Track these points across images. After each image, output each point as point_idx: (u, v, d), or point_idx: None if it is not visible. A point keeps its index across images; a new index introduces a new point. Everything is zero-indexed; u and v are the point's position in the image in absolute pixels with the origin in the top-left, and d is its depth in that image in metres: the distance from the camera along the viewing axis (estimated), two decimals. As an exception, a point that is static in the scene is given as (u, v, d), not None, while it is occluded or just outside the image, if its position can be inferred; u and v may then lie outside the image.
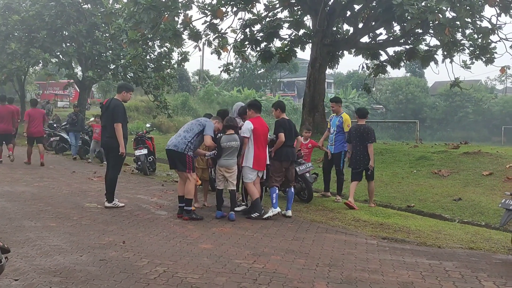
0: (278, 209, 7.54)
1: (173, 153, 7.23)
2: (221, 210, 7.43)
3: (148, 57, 24.45)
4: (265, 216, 7.41)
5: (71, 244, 5.53)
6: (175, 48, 23.50)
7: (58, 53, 24.80)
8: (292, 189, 7.95)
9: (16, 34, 24.31)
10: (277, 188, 7.63)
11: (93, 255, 5.16)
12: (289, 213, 7.69)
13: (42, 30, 22.52)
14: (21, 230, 6.06)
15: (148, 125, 15.62)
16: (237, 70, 56.21)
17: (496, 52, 16.34)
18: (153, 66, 25.49)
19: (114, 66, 24.85)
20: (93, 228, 6.36)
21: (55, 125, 19.60)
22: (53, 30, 23.09)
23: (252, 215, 7.41)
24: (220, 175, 7.39)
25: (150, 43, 21.89)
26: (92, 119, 16.08)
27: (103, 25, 23.97)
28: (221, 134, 7.47)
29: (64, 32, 24.13)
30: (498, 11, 15.31)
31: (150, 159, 12.73)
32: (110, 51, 24.59)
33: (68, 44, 24.75)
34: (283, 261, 5.21)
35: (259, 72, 58.67)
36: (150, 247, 5.54)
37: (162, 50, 25.30)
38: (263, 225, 6.98)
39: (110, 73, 25.87)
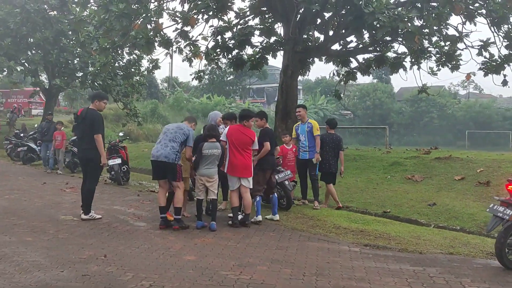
0: (259, 218, 7.76)
1: (165, 165, 7.14)
2: (201, 220, 7.35)
3: (117, 64, 24.08)
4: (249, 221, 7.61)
5: (50, 259, 5.36)
6: (144, 56, 23.23)
7: (24, 61, 24.16)
8: (276, 194, 8.22)
9: (-21, 41, 23.56)
10: (260, 197, 7.85)
11: (75, 270, 5.01)
12: (277, 217, 8.01)
13: (7, 37, 21.90)
14: (-4, 246, 5.84)
15: (121, 134, 15.36)
16: (206, 77, 56.03)
17: (461, 59, 16.82)
18: (122, 73, 25.12)
19: (82, 73, 24.38)
20: (72, 242, 6.19)
21: (21, 134, 19.08)
22: (18, 37, 22.46)
23: (229, 222, 7.54)
24: (201, 185, 7.32)
25: (119, 51, 21.57)
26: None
27: (70, 32, 23.50)
28: (201, 142, 7.42)
29: (30, 39, 23.51)
30: (464, 20, 15.76)
31: (124, 168, 12.52)
32: (78, 59, 24.13)
33: (34, 51, 24.14)
34: (270, 271, 5.18)
35: (228, 79, 58.67)
36: (133, 260, 5.43)
37: (131, 57, 24.97)
38: (245, 234, 6.94)
39: (77, 80, 25.37)
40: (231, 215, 7.67)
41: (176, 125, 7.55)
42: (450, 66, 16.99)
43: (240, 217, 7.79)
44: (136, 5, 14.09)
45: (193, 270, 5.13)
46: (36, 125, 20.92)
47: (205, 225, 7.28)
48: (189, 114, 47.65)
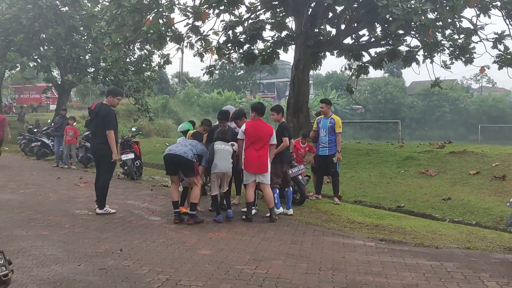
0: (280, 210, 7.92)
1: (182, 159, 7.16)
2: (220, 214, 7.38)
3: (128, 60, 24.18)
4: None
5: (67, 253, 5.40)
6: (155, 51, 23.30)
7: (36, 57, 24.35)
8: (291, 189, 8.22)
9: (-8, 37, 23.79)
10: (277, 189, 7.91)
11: (92, 264, 5.04)
12: (291, 211, 8.01)
13: (19, 33, 22.10)
14: (13, 240, 5.89)
15: (134, 129, 15.39)
16: (216, 72, 56.08)
17: (475, 52, 16.64)
18: (133, 69, 25.22)
19: (94, 69, 24.52)
20: (88, 236, 6.22)
21: (35, 130, 19.23)
22: (31, 33, 22.67)
23: (242, 216, 7.54)
24: (214, 182, 7.35)
25: (131, 46, 21.64)
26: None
27: (82, 28, 23.62)
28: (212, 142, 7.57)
29: (42, 35, 23.71)
30: (478, 12, 15.58)
31: (137, 163, 12.56)
32: (90, 54, 24.27)
33: (46, 47, 24.31)
34: (285, 265, 5.17)
35: (239, 73, 58.67)
36: (149, 254, 5.44)
37: (142, 53, 25.06)
38: (260, 229, 6.94)
39: (89, 76, 25.52)
40: (244, 209, 7.68)
41: (196, 142, 7.62)
42: (463, 59, 16.81)
43: (254, 211, 7.82)
44: (148, 0, 14.11)
45: (208, 264, 5.13)
46: (49, 121, 21.09)
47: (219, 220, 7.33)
48: (200, 110, 47.80)
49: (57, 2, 23.09)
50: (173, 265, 5.05)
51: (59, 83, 25.64)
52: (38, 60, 24.41)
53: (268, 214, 7.55)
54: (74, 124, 15.03)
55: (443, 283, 4.68)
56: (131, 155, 12.33)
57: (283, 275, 4.82)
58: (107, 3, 15.31)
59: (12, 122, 32.38)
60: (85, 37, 23.45)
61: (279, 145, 7.81)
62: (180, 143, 7.53)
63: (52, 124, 15.90)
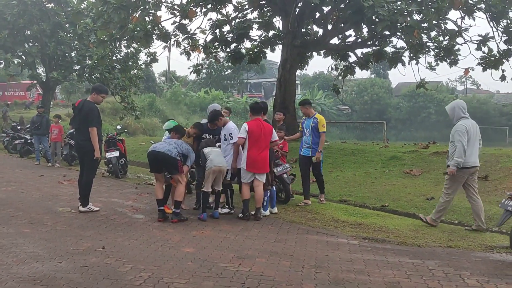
0: (267, 212, 7.89)
1: (165, 157, 7.11)
2: (206, 212, 7.36)
3: (114, 57, 23.98)
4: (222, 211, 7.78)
5: (49, 251, 5.34)
6: (142, 49, 23.15)
7: (21, 53, 24.02)
8: (274, 188, 8.18)
9: (-25, 33, 23.42)
10: (268, 191, 7.89)
11: (73, 261, 4.99)
12: (275, 210, 8.02)
13: (4, 30, 21.77)
14: (-6, 237, 5.81)
15: (119, 127, 15.29)
16: (204, 71, 55.95)
17: (460, 54, 16.82)
18: (119, 67, 25.01)
19: (80, 66, 24.28)
20: (70, 234, 6.16)
21: (18, 127, 19.01)
22: (15, 29, 22.31)
23: (239, 215, 7.48)
24: (209, 177, 7.32)
25: (117, 44, 21.48)
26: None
27: (67, 25, 23.36)
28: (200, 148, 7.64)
29: (27, 32, 23.36)
30: (463, 14, 15.75)
31: (121, 161, 12.48)
32: (75, 52, 24.01)
33: (31, 44, 23.99)
34: (269, 263, 5.17)
35: (226, 73, 58.60)
36: (132, 252, 5.41)
37: (129, 50, 24.88)
38: (244, 227, 6.93)
39: (75, 74, 25.26)
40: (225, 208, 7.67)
41: (181, 141, 7.55)
42: (448, 61, 17.00)
43: (227, 210, 7.92)
44: (134, -2, 14.01)
45: (192, 262, 5.11)
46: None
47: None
48: (187, 108, 47.65)
49: (43, -2, 22.83)
50: (155, 263, 5.02)
51: (44, 80, 25.32)
52: (23, 57, 24.05)
53: (253, 212, 7.55)
54: (59, 121, 14.89)
55: (424, 281, 4.72)
56: (116, 153, 12.25)
57: (266, 273, 4.82)
58: (93, 0, 15.16)
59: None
60: (71, 34, 23.17)
61: None
62: (165, 141, 7.50)
63: (31, 123, 15.72)
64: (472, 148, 7.18)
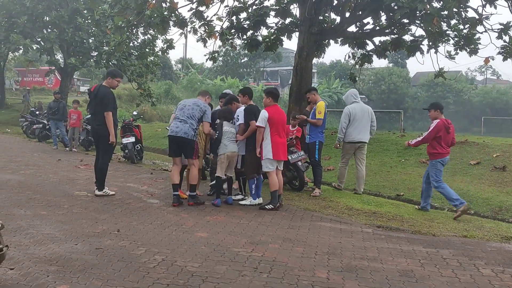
0: (257, 201, 7.58)
1: (184, 140, 7.15)
2: (219, 198, 7.39)
3: (131, 44, 24.06)
4: (242, 203, 7.54)
5: (65, 233, 5.42)
6: (158, 36, 23.18)
7: (39, 39, 24.25)
8: (262, 176, 7.80)
9: (-5, 19, 23.68)
10: (255, 179, 7.57)
11: (88, 243, 5.06)
12: (260, 200, 7.65)
13: (23, 16, 21.98)
14: (12, 219, 5.91)
15: (135, 113, 15.39)
16: (220, 58, 55.88)
17: (480, 43, 16.48)
18: (136, 53, 25.09)
19: (97, 53, 24.43)
20: (85, 217, 6.25)
21: (37, 112, 19.24)
22: (34, 15, 22.51)
23: (266, 206, 7.26)
24: (223, 163, 7.29)
25: (134, 30, 21.53)
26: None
27: (85, 11, 23.49)
28: (219, 121, 7.40)
29: (46, 18, 23.55)
30: (484, 2, 15.42)
31: (137, 147, 12.58)
32: (93, 38, 24.14)
33: (49, 30, 24.19)
34: (281, 249, 5.18)
35: (242, 61, 58.48)
36: (146, 236, 5.46)
37: (146, 37, 24.93)
38: (257, 213, 6.95)
39: (92, 60, 25.44)
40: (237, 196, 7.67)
41: (193, 101, 7.45)
42: (468, 50, 16.63)
43: (240, 196, 7.85)
44: (152, -17, 13.98)
45: (205, 246, 5.15)
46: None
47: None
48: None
49: (61, -16, 22.97)
50: (169, 246, 5.07)
51: (62, 66, 25.56)
52: (41, 42, 24.29)
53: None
54: (77, 107, 15.05)
55: (438, 269, 4.68)
56: (132, 139, 12.34)
57: (278, 258, 4.84)
58: (110, -14, 15.15)
59: (17, 104, 32.58)
60: (89, 20, 23.29)
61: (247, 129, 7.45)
62: (179, 120, 7.25)
63: (48, 109, 15.88)
64: (357, 127, 8.91)
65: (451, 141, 7.86)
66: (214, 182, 7.78)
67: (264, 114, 7.20)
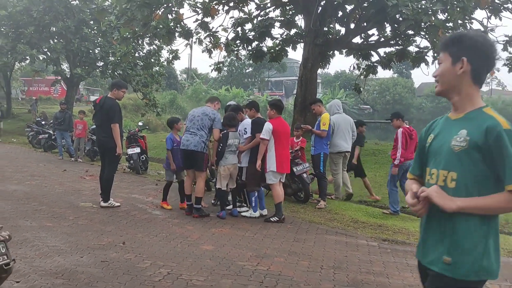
0: (257, 214, 7.52)
1: (194, 153, 7.17)
2: (224, 210, 7.38)
3: (137, 54, 24.24)
4: (243, 214, 7.52)
5: (70, 245, 5.43)
6: (164, 46, 23.33)
7: (46, 50, 24.47)
8: (262, 188, 7.76)
9: (2, 29, 23.93)
10: (256, 192, 7.53)
11: (94, 256, 5.06)
12: (265, 211, 7.63)
13: (30, 26, 22.22)
14: (18, 230, 5.92)
15: (140, 124, 15.43)
16: (225, 69, 56.10)
17: (485, 54, 16.49)
18: (142, 63, 25.27)
19: (103, 63, 24.61)
20: (91, 229, 6.25)
21: (42, 122, 19.33)
22: (41, 26, 22.76)
23: (271, 219, 7.21)
24: (226, 174, 7.27)
25: (140, 41, 21.70)
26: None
27: (91, 22, 23.71)
28: (226, 130, 7.37)
29: (52, 28, 23.80)
30: (489, 14, 15.46)
31: (142, 157, 12.60)
32: (99, 48, 24.34)
33: (56, 40, 24.42)
34: (287, 263, 5.17)
35: (247, 71, 58.67)
36: (151, 248, 5.46)
37: (151, 48, 25.13)
38: (263, 226, 6.93)
39: (98, 70, 25.61)
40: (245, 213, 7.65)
41: (202, 111, 7.44)
42: (473, 61, 16.68)
43: (244, 208, 7.83)
44: (158, -5, 14.12)
45: (210, 259, 5.14)
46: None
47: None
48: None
49: (68, -5, 23.21)
50: (175, 260, 5.06)
51: (68, 76, 25.75)
52: (48, 53, 24.52)
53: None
54: (83, 118, 15.12)
55: (445, 285, 4.65)
56: (137, 149, 12.37)
57: (284, 272, 4.82)
58: (117, -2, 15.31)
59: (23, 114, 32.75)
60: (95, 31, 23.51)
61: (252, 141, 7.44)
62: (190, 132, 7.27)
63: (53, 119, 15.98)
64: (342, 137, 9.08)
65: (415, 146, 8.07)
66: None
67: (268, 126, 7.18)
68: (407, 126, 8.44)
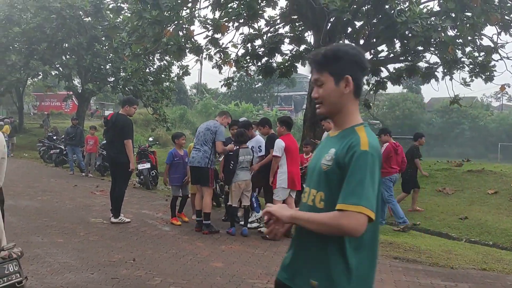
0: (261, 213, 7.68)
1: (197, 169, 7.25)
2: (234, 226, 7.37)
3: (148, 70, 24.44)
4: (251, 226, 7.66)
5: (81, 261, 5.45)
6: (174, 62, 23.52)
7: (58, 65, 24.77)
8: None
9: (16, 46, 24.26)
10: (255, 193, 7.83)
11: (104, 273, 5.07)
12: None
13: (43, 42, 22.51)
14: (29, 246, 5.96)
15: (151, 139, 15.52)
16: (234, 84, 56.33)
17: (495, 70, 16.44)
18: (152, 79, 25.47)
19: (114, 78, 24.86)
20: (101, 245, 6.28)
21: (54, 137, 19.50)
22: (54, 42, 23.06)
23: (268, 236, 7.21)
24: (237, 191, 7.27)
25: (151, 57, 21.92)
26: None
27: (103, 38, 24.00)
28: (237, 147, 7.39)
29: (65, 45, 24.12)
30: (499, 30, 15.45)
31: (152, 173, 12.65)
32: (110, 64, 24.59)
33: (68, 56, 24.73)
34: (297, 281, 5.13)
35: (256, 86, 58.88)
36: (161, 265, 5.46)
37: (162, 63, 25.32)
38: (272, 243, 6.91)
39: (109, 85, 25.86)
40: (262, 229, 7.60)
41: (205, 126, 7.51)
42: (483, 77, 16.60)
43: (255, 224, 7.92)
44: (169, 12, 14.29)
45: (220, 277, 5.13)
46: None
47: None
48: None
49: (80, 12, 23.48)
50: (185, 277, 5.06)
51: (80, 91, 26.02)
52: (60, 68, 24.82)
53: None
54: (94, 133, 15.25)
55: (457, 305, 4.61)
56: (147, 165, 12.43)
57: (294, 291, 4.78)
58: (129, 15, 15.51)
59: (34, 129, 33.06)
60: (106, 47, 23.74)
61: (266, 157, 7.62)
62: (195, 149, 7.43)
63: (65, 134, 16.15)
64: None
65: (401, 160, 8.94)
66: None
67: (280, 143, 7.18)
68: (394, 142, 9.11)
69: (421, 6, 14.61)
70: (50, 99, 42.76)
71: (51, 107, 41.92)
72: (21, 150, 23.19)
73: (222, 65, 17.66)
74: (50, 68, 23.54)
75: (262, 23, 17.46)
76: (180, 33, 15.17)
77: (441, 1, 14.31)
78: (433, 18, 13.03)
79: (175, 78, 24.68)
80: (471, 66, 16.58)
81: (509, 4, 14.33)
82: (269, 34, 18.04)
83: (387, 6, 14.00)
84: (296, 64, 18.87)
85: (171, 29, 14.61)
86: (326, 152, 2.02)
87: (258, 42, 18.29)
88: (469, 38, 14.64)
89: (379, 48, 17.92)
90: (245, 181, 7.29)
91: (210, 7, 16.05)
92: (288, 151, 7.21)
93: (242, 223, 7.64)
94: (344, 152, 1.94)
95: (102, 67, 24.31)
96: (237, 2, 14.53)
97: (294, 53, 18.67)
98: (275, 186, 7.23)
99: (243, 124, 8.19)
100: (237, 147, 7.35)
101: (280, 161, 7.18)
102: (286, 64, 18.66)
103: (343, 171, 1.92)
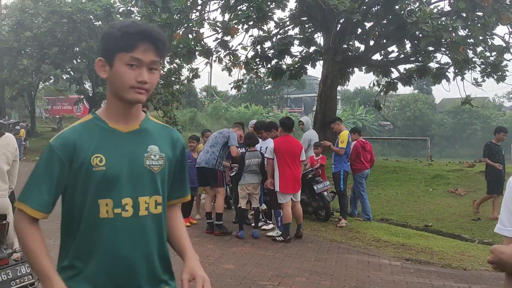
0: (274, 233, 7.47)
1: (205, 170, 7.25)
2: (243, 229, 7.33)
3: (158, 73, 24.53)
4: (269, 234, 7.41)
5: (92, 264, 5.46)
6: (184, 65, 23.61)
7: (69, 69, 24.99)
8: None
9: (28, 50, 24.55)
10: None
11: (116, 275, 5.08)
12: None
13: (54, 47, 22.74)
14: (41, 249, 5.99)
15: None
16: (244, 86, 56.42)
17: (507, 70, 16.30)
18: (162, 82, 25.57)
19: (124, 82, 25.06)
20: (113, 247, 6.29)
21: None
22: (65, 46, 23.30)
23: (277, 238, 7.13)
24: (245, 194, 7.25)
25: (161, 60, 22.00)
26: None
27: (114, 42, 24.17)
28: (245, 150, 7.39)
29: (76, 49, 24.34)
30: (510, 30, 15.33)
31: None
32: (121, 67, 24.78)
33: (79, 60, 24.94)
34: (309, 283, 5.12)
35: (266, 88, 58.88)
36: (173, 267, 5.45)
37: (172, 66, 25.43)
38: (283, 245, 6.89)
39: (120, 89, 26.04)
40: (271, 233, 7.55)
41: (218, 131, 7.69)
42: (495, 77, 16.49)
43: (272, 226, 7.79)
44: (179, 16, 14.39)
45: (231, 279, 5.12)
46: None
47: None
48: (227, 123, 48.08)
49: (91, 16, 23.70)
50: (196, 279, 5.04)
51: (91, 95, 26.22)
52: (71, 72, 25.05)
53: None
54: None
55: (471, 307, 4.56)
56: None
57: (306, 293, 4.77)
58: (139, 18, 15.63)
59: (46, 132, 33.36)
60: (117, 51, 23.94)
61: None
62: (203, 151, 7.53)
63: None
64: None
65: (370, 157, 9.28)
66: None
67: (270, 145, 7.22)
68: (362, 140, 9.44)
69: (432, 6, 14.63)
70: (61, 103, 43.10)
71: (62, 110, 42.26)
72: (33, 153, 23.38)
73: (232, 68, 17.74)
74: (61, 72, 23.76)
75: (271, 25, 17.54)
76: (190, 36, 15.28)
77: (451, 1, 14.29)
78: (443, 18, 13.00)
79: (185, 81, 24.83)
80: (482, 66, 16.47)
81: (521, 3, 14.19)
82: (278, 36, 18.09)
83: (397, 7, 13.97)
84: (306, 65, 18.88)
85: (181, 32, 14.71)
86: (143, 151, 1.78)
87: (267, 44, 18.34)
88: (481, 37, 14.56)
89: (390, 49, 17.91)
90: (252, 184, 7.20)
91: (219, 10, 16.15)
92: (278, 152, 7.02)
93: (253, 225, 7.65)
94: (172, 148, 1.92)
95: (112, 70, 24.49)
96: (246, 5, 14.56)
97: (303, 54, 18.70)
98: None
99: (255, 126, 8.30)
100: (245, 149, 7.37)
101: (272, 163, 7.09)
102: (296, 66, 18.69)
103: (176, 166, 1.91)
